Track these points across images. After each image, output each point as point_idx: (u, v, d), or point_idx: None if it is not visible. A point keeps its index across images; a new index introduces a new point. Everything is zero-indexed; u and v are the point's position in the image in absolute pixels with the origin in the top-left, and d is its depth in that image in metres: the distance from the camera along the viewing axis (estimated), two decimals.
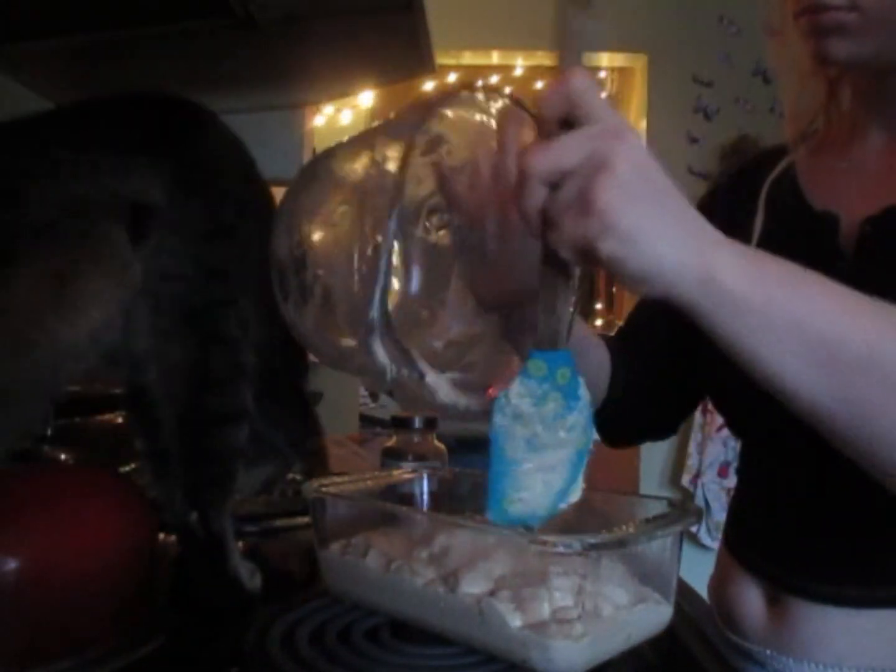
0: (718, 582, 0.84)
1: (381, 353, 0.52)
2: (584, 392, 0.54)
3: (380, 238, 0.50)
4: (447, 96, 0.58)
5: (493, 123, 0.61)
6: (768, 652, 0.74)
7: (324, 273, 0.55)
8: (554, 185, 0.48)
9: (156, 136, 0.70)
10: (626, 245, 0.47)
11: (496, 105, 0.59)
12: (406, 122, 0.55)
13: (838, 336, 0.50)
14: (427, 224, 0.67)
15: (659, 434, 0.93)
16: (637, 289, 0.50)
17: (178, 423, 0.71)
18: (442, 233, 0.66)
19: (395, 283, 0.65)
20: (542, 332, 0.53)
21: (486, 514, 0.53)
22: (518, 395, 0.53)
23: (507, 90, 0.59)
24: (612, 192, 0.46)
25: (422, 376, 0.54)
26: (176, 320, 0.69)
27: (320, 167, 0.62)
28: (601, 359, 0.80)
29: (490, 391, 0.58)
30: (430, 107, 0.56)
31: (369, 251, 0.51)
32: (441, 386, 0.55)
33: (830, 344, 0.50)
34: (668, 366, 0.83)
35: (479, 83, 0.60)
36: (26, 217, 0.61)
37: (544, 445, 0.53)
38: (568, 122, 0.48)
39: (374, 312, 0.51)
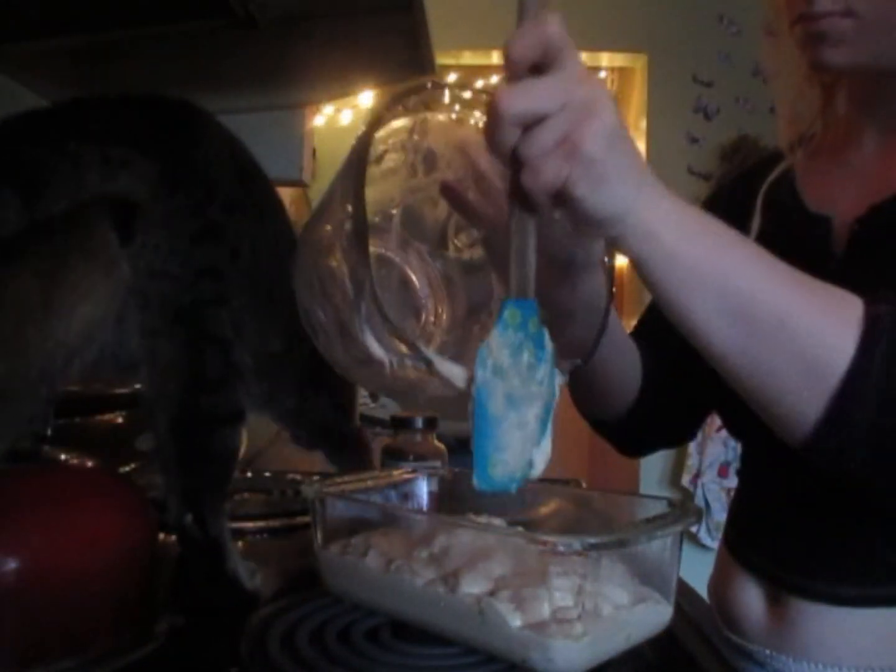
0: (718, 582, 0.84)
1: (375, 347, 0.52)
2: (548, 342, 0.55)
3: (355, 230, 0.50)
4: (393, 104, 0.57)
5: (469, 114, 0.60)
6: (768, 652, 0.74)
7: (332, 300, 0.55)
8: (526, 127, 0.48)
9: (146, 135, 0.70)
10: (601, 189, 0.49)
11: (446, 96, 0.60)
12: (356, 149, 0.54)
13: (757, 295, 0.52)
14: (457, 243, 0.67)
15: (670, 440, 0.93)
16: (592, 232, 0.52)
17: (172, 424, 0.70)
18: (474, 247, 0.67)
19: (442, 309, 0.65)
20: (515, 281, 0.53)
21: (472, 482, 0.53)
22: (498, 346, 0.53)
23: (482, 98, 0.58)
24: (599, 138, 0.48)
25: (428, 363, 0.53)
26: (165, 319, 0.69)
27: (318, 206, 0.62)
28: (635, 358, 0.80)
29: None
30: (377, 118, 0.55)
31: (345, 245, 0.51)
32: (455, 372, 0.54)
33: (747, 301, 0.52)
34: (675, 370, 0.83)
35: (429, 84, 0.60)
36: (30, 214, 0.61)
37: (521, 399, 0.54)
38: (536, 68, 0.48)
39: (363, 306, 0.51)
